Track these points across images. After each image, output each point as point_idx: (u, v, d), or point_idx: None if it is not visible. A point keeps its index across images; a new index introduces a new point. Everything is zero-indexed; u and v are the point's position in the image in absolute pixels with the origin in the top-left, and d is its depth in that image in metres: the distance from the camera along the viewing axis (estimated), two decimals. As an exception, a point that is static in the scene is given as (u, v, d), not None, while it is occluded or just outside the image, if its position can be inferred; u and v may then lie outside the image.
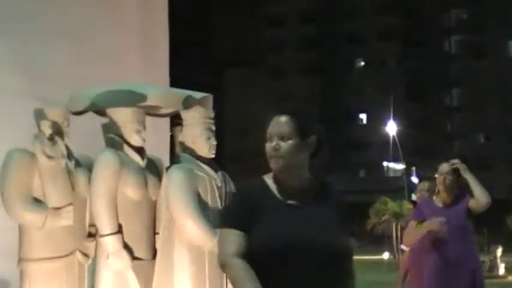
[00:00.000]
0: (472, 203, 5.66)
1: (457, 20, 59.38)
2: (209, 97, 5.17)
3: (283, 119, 2.75)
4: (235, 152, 56.33)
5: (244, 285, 2.58)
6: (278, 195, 2.73)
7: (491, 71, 54.34)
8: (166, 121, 6.65)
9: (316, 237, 2.66)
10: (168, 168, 4.98)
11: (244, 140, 59.35)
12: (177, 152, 5.05)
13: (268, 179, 2.78)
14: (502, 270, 18.08)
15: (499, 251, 18.22)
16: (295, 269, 2.63)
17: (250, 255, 2.65)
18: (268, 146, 2.73)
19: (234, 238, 2.66)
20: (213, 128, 4.99)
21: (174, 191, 4.67)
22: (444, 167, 5.75)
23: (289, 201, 2.72)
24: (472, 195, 5.67)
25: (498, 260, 18.17)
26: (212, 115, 5.03)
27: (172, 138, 5.44)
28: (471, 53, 56.26)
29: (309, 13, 59.84)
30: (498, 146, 54.38)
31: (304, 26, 59.84)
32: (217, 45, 63.26)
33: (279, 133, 2.72)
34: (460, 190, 5.74)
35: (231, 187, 4.98)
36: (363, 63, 59.68)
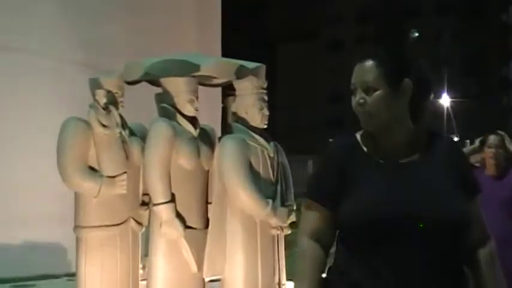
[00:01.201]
0: None
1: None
2: (262, 67, 5.15)
3: (368, 64, 2.18)
4: (289, 126, 56.23)
5: (298, 275, 2.25)
6: (371, 155, 2.22)
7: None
8: (219, 91, 6.66)
9: (420, 203, 2.09)
10: (220, 138, 4.99)
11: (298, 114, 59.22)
12: (230, 122, 5.05)
13: (360, 136, 2.28)
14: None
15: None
16: (393, 246, 2.08)
17: (343, 233, 2.22)
18: (353, 101, 2.21)
19: (314, 214, 2.25)
20: (266, 98, 4.97)
21: (226, 160, 4.68)
22: (492, 139, 5.70)
23: (383, 161, 2.19)
24: None
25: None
26: (265, 85, 5.01)
27: (225, 109, 5.44)
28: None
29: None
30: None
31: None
32: (272, 18, 62.95)
33: (363, 83, 2.17)
34: (507, 163, 5.66)
35: (284, 158, 4.97)
36: (417, 34, 58.67)
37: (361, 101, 2.18)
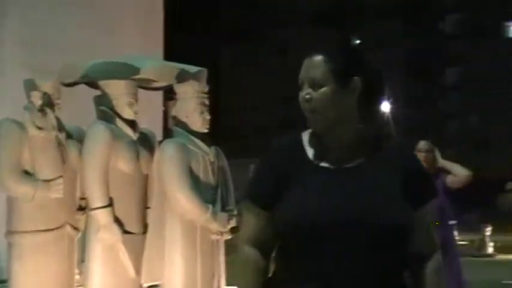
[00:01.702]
0: (450, 179, 5.79)
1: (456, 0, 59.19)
2: (203, 71, 5.13)
3: (316, 59, 2.07)
4: (231, 129, 56.31)
5: (238, 282, 2.16)
6: (311, 157, 2.10)
7: (490, 51, 54.31)
8: (160, 95, 6.62)
9: (357, 210, 2.00)
10: (160, 142, 4.94)
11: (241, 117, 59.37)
12: (170, 126, 5.01)
13: (306, 136, 2.16)
14: (490, 249, 18.23)
15: (488, 231, 18.38)
16: (327, 254, 2.00)
17: (280, 237, 2.11)
18: (300, 97, 2.10)
19: (252, 216, 2.15)
20: (207, 102, 4.95)
21: (166, 165, 4.64)
22: (422, 144, 5.90)
23: (324, 164, 2.08)
24: (449, 173, 5.79)
25: (487, 239, 18.31)
26: (206, 89, 4.99)
27: (166, 112, 5.41)
28: (470, 33, 56.13)
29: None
30: (494, 126, 54.53)
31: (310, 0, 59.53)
32: (216, 20, 62.96)
33: (310, 79, 2.06)
34: (435, 170, 5.82)
35: (224, 162, 4.96)
36: (358, 41, 59.60)
37: (307, 96, 2.07)
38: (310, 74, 2.07)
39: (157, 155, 4.81)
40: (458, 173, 5.80)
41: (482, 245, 18.35)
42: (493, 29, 54.90)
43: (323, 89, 2.05)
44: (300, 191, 2.05)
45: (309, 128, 2.13)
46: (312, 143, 2.13)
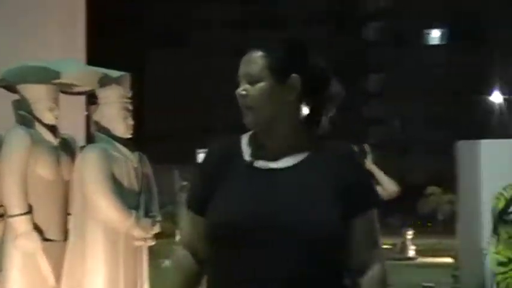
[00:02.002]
0: (379, 190, 5.72)
1: (376, 7, 60.51)
2: (126, 76, 5.08)
3: (254, 54, 2.02)
4: (156, 134, 55.93)
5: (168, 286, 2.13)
6: (246, 157, 2.03)
7: (411, 58, 55.75)
8: (83, 99, 6.52)
9: (278, 214, 1.93)
10: (82, 147, 4.88)
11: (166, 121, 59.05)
12: (93, 132, 4.96)
13: (246, 137, 2.09)
14: (412, 252, 18.71)
15: (410, 234, 18.85)
16: (249, 259, 1.94)
17: (210, 242, 2.05)
18: (236, 92, 2.03)
19: (189, 222, 2.12)
20: (130, 107, 4.92)
21: (88, 170, 4.59)
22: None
23: (258, 164, 2.01)
24: (378, 183, 5.69)
25: (408, 243, 18.78)
26: (129, 94, 4.96)
27: (88, 118, 5.34)
28: (389, 41, 57.48)
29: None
30: (414, 133, 55.95)
31: (230, 7, 59.75)
32: (140, 24, 62.49)
33: (247, 74, 2.00)
34: None
35: (148, 168, 4.94)
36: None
37: (243, 92, 2.00)
38: (247, 69, 2.01)
39: (78, 160, 4.74)
40: (386, 187, 5.63)
41: (404, 248, 18.81)
42: (413, 37, 56.43)
43: (259, 85, 1.98)
44: (229, 193, 2.00)
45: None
46: (250, 143, 2.05)
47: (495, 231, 4.84)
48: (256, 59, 2.01)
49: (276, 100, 1.98)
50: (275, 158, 2.01)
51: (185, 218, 2.15)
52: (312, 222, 1.92)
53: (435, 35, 58.34)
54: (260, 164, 2.01)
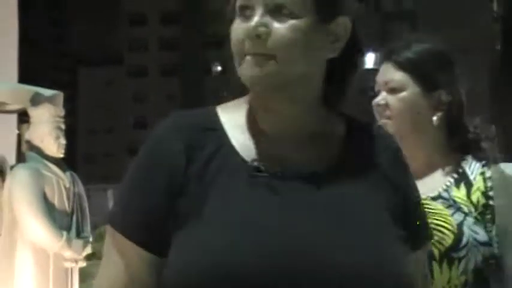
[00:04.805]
0: None
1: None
2: (59, 95, 5.05)
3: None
4: (89, 153, 55.21)
5: None
6: (243, 154, 1.16)
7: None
8: (14, 118, 6.42)
9: (338, 258, 1.08)
10: (12, 166, 4.81)
11: (99, 140, 58.41)
12: (24, 151, 4.89)
13: (227, 113, 1.22)
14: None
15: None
16: None
17: None
18: (239, 28, 1.18)
19: (123, 263, 1.17)
20: (63, 126, 4.88)
21: (18, 190, 4.52)
22: None
23: (266, 167, 1.15)
24: None
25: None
26: (62, 114, 4.92)
27: (20, 136, 5.27)
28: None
29: (171, 13, 59.79)
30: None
31: (165, 27, 59.69)
32: (73, 42, 61.77)
33: (271, 2, 1.16)
34: None
35: (80, 188, 4.89)
36: (219, 68, 60.51)
37: (261, 29, 1.14)
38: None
39: (8, 180, 4.67)
40: None
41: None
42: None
43: (292, 21, 1.15)
44: (217, 217, 1.10)
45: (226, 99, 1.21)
46: (240, 124, 1.18)
47: None
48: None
49: (311, 46, 1.16)
50: (293, 158, 1.15)
51: (113, 251, 1.18)
52: (382, 267, 1.09)
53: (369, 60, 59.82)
54: (272, 166, 1.13)
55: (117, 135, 57.53)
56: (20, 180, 4.54)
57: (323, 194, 1.14)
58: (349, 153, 1.20)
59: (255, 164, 1.15)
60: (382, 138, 1.25)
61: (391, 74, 1.87)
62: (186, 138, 1.17)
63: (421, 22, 36.16)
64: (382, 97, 1.88)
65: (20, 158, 4.95)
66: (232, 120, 1.21)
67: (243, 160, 1.16)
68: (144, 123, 57.30)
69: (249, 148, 1.18)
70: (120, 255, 1.19)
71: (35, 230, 4.50)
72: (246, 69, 1.16)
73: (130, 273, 1.18)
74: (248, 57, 1.15)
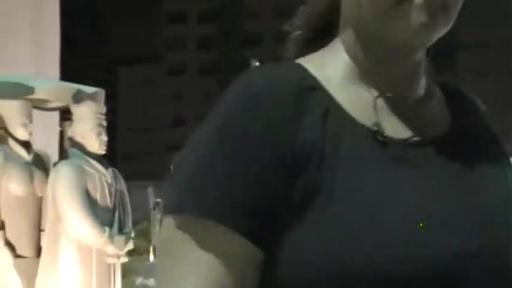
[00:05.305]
0: None
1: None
2: (101, 92, 5.11)
3: None
4: (128, 150, 55.78)
5: None
6: (358, 118, 0.91)
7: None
8: (57, 115, 6.52)
9: (489, 237, 0.88)
10: (55, 163, 4.88)
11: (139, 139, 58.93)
12: (66, 147, 4.96)
13: (317, 69, 0.93)
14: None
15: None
16: None
17: None
18: None
19: (214, 252, 0.84)
20: (104, 123, 4.93)
21: (61, 187, 4.58)
22: None
23: (397, 134, 0.91)
24: None
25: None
26: (104, 111, 4.97)
27: (62, 133, 5.34)
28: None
29: (209, 12, 60.08)
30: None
31: (203, 25, 60.00)
32: (112, 41, 62.49)
33: None
34: None
35: (122, 184, 4.94)
36: (258, 64, 60.59)
37: None
38: None
39: (52, 176, 4.73)
40: None
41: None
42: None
43: None
44: (361, 198, 0.86)
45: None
46: (345, 86, 0.93)
47: None
48: None
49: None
50: (421, 125, 0.94)
51: (195, 245, 0.85)
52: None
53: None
54: (405, 132, 0.92)
55: (156, 133, 58.03)
56: (63, 177, 4.60)
57: (454, 165, 0.93)
58: (456, 118, 0.99)
59: (378, 129, 0.90)
60: (474, 101, 1.05)
61: None
62: (286, 99, 0.88)
63: None
64: None
65: (63, 154, 5.02)
66: (326, 77, 0.93)
67: (361, 125, 0.90)
68: (182, 121, 57.71)
69: (361, 111, 0.91)
70: (214, 254, 0.83)
71: (78, 226, 4.55)
72: (415, 15, 0.87)
73: (234, 274, 0.84)
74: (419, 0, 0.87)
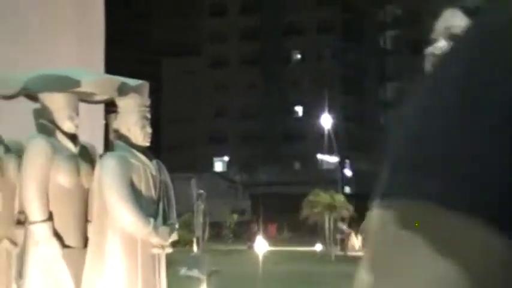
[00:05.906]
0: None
1: (392, 16, 60.37)
2: (145, 85, 5.12)
3: None
4: (172, 142, 56.02)
5: None
6: None
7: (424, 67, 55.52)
8: (101, 107, 6.58)
9: None
10: (101, 155, 4.92)
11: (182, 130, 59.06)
12: (112, 140, 4.99)
13: None
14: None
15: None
16: None
17: None
18: None
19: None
20: (149, 116, 4.95)
21: (107, 178, 4.62)
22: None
23: None
24: None
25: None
26: (148, 103, 4.99)
27: (107, 126, 5.38)
28: (406, 49, 57.35)
29: (250, 4, 59.92)
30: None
31: (245, 17, 59.86)
32: (156, 34, 62.74)
33: None
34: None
35: (166, 176, 4.96)
36: (299, 56, 60.19)
37: None
38: None
39: (98, 168, 4.78)
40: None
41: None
42: (428, 45, 56.03)
43: None
44: None
45: None
46: None
47: None
48: None
49: None
50: None
51: (417, 261, 0.55)
52: None
53: (451, 44, 57.99)
54: None
55: (199, 124, 58.18)
56: (108, 168, 4.64)
57: None
58: None
59: None
60: None
61: (457, 20, 1.43)
62: None
63: None
64: (441, 45, 1.48)
65: (108, 146, 5.06)
66: None
67: None
68: (225, 112, 57.73)
69: None
70: (464, 257, 0.56)
71: (124, 216, 4.59)
72: None
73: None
74: None
